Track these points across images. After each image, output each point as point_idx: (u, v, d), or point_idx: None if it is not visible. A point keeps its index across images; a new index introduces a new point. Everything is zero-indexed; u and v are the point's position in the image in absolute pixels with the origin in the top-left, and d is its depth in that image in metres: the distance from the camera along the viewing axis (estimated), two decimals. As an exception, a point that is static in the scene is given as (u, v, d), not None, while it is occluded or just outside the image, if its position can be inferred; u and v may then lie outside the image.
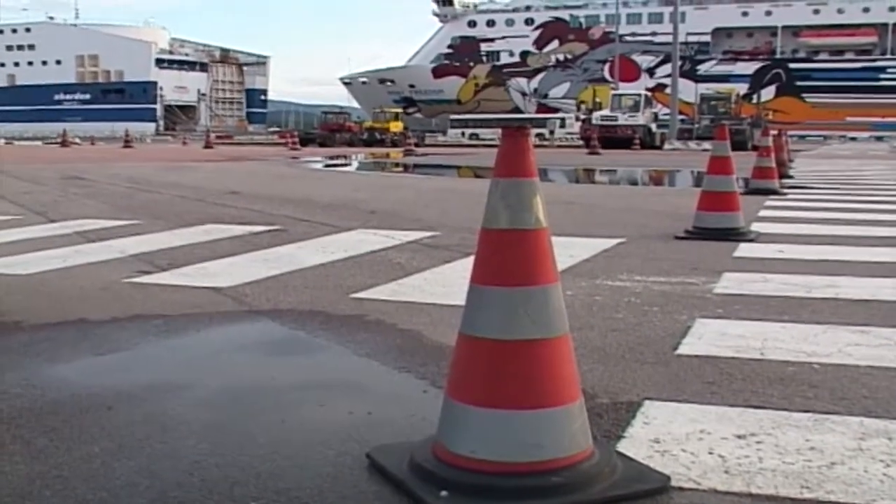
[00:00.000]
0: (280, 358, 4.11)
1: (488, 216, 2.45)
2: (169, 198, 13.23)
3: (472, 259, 6.63)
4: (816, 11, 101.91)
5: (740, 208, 8.50)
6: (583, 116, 65.81)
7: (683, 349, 4.09)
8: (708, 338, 4.30)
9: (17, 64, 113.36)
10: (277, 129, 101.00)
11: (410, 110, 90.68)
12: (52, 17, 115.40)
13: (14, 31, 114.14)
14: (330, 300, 5.23)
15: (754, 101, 76.08)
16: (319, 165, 28.51)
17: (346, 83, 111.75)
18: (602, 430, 2.89)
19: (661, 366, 3.83)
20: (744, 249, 7.47)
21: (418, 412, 3.18)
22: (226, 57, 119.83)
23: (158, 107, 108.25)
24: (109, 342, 4.34)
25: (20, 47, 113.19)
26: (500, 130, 2.46)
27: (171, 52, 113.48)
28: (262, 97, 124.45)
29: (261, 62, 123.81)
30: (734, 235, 8.15)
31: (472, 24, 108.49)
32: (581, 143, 51.92)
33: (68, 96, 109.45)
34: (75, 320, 4.79)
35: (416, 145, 49.67)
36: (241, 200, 12.33)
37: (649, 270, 6.31)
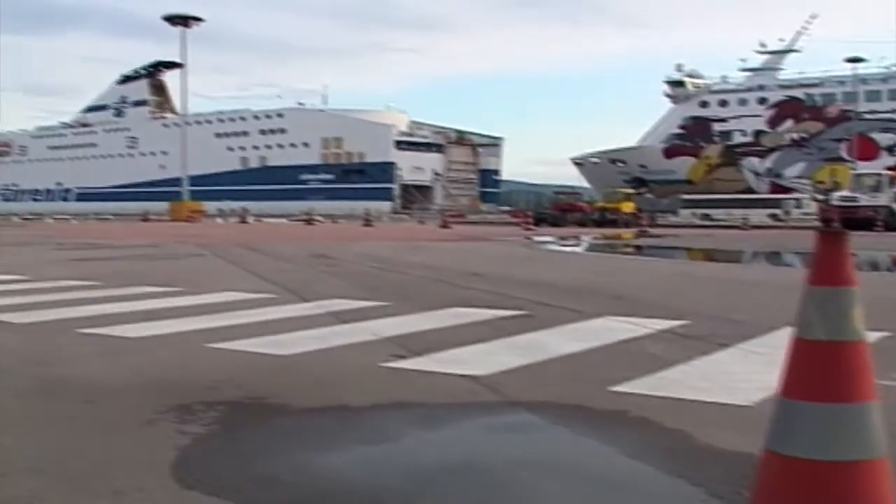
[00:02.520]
0: (545, 456, 4.00)
1: (802, 325, 2.29)
2: (413, 279, 13.48)
3: (729, 352, 6.40)
4: None
5: None
6: (820, 197, 63.26)
7: None
8: None
9: (268, 147, 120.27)
10: (509, 208, 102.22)
11: (641, 190, 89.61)
12: (301, 104, 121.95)
13: (268, 116, 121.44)
14: (588, 393, 5.09)
15: None
16: (555, 246, 28.51)
17: (577, 163, 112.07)
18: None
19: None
20: None
21: (701, 525, 2.99)
22: (461, 139, 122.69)
23: (396, 186, 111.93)
24: (373, 431, 4.35)
25: (272, 131, 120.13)
26: (815, 235, 2.30)
27: (409, 135, 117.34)
28: (495, 177, 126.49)
29: (494, 143, 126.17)
30: None
31: (704, 104, 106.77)
32: (818, 224, 49.88)
33: (312, 176, 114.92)
34: (338, 406, 4.85)
35: (650, 226, 49.04)
36: (483, 282, 12.40)
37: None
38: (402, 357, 6.22)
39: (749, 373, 5.72)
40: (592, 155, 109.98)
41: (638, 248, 29.02)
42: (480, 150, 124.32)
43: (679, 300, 10.39)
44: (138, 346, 6.83)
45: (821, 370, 2.24)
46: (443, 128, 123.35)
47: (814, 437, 2.20)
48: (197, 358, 6.32)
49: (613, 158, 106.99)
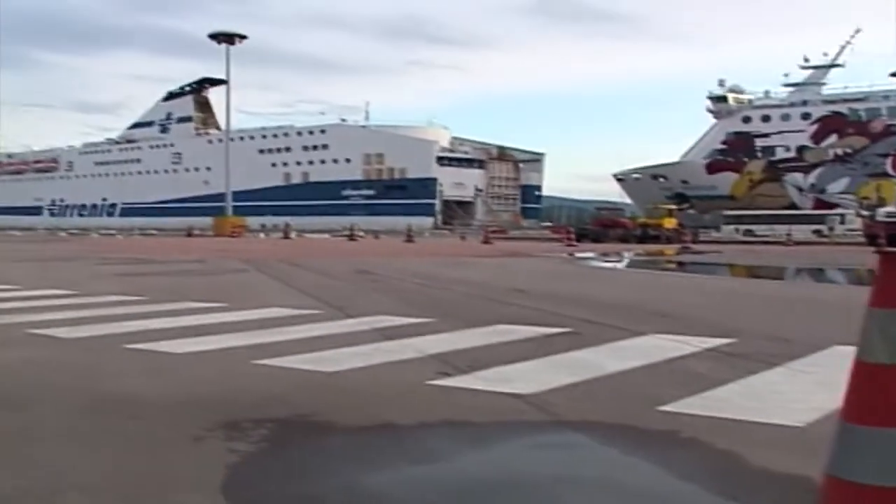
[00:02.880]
0: (595, 476, 3.96)
1: (864, 347, 2.24)
2: (457, 295, 13.45)
3: (777, 371, 6.32)
4: None
5: None
6: (865, 213, 62.49)
7: None
8: None
9: (311, 162, 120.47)
10: (550, 223, 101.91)
11: (683, 206, 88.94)
12: (344, 120, 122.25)
13: (311, 132, 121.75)
14: (637, 413, 5.04)
15: None
16: (598, 262, 28.39)
17: (618, 179, 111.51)
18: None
19: None
20: None
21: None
22: (502, 154, 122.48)
23: (437, 202, 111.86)
24: (422, 450, 4.33)
25: (315, 147, 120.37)
26: (877, 256, 2.25)
27: (451, 150, 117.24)
28: (537, 193, 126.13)
29: (536, 159, 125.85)
30: None
31: (747, 119, 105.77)
32: (863, 240, 49.44)
33: (354, 192, 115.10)
34: (384, 424, 4.83)
35: (693, 242, 48.71)
36: (527, 299, 12.36)
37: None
38: (448, 375, 6.20)
39: (799, 393, 5.64)
40: (634, 171, 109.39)
41: (680, 264, 28.84)
42: (522, 165, 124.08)
43: (724, 318, 10.29)
44: (184, 363, 6.87)
45: (884, 394, 2.19)
46: (484, 143, 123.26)
47: (879, 462, 2.15)
48: (243, 374, 6.34)
49: (655, 174, 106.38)
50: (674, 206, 72.35)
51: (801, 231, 62.74)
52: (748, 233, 70.52)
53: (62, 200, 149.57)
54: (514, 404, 5.29)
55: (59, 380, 6.20)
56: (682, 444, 4.40)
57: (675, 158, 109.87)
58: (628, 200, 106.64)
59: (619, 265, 28.26)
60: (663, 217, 62.24)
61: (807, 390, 5.70)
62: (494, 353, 7.14)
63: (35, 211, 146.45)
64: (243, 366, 6.65)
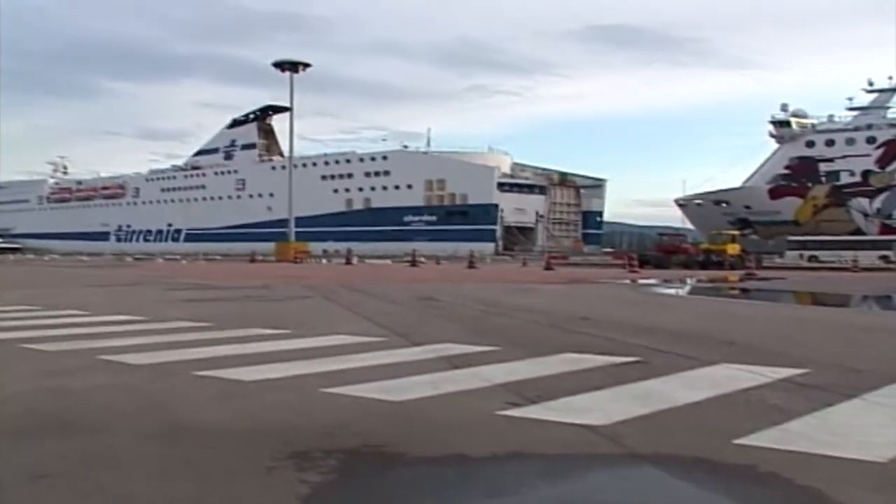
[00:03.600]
0: (672, 511, 3.90)
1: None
2: (522, 322, 13.37)
3: (854, 403, 6.21)
4: None
5: None
6: (933, 237, 60.98)
7: None
8: None
9: (373, 188, 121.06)
10: (611, 249, 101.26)
11: (746, 231, 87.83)
12: (406, 146, 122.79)
13: (373, 158, 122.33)
14: (712, 446, 4.94)
15: None
16: (662, 289, 28.06)
17: (680, 205, 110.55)
18: None
19: None
20: None
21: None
22: (564, 180, 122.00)
23: (498, 228, 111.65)
24: (494, 484, 4.29)
25: (377, 173, 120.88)
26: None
27: (512, 176, 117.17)
28: (598, 218, 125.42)
29: (597, 185, 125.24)
30: None
31: (811, 144, 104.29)
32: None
33: (416, 218, 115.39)
34: (455, 455, 4.81)
35: (757, 268, 48.09)
36: (593, 327, 12.25)
37: None
38: (517, 405, 6.15)
39: (877, 426, 5.51)
40: (696, 196, 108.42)
41: (745, 291, 28.43)
42: (583, 191, 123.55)
43: (795, 347, 10.09)
44: (253, 390, 6.89)
45: None
46: (546, 169, 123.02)
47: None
48: (312, 403, 6.35)
49: (717, 200, 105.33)
50: (737, 232, 71.56)
51: (867, 257, 61.62)
52: (813, 259, 69.46)
53: (128, 226, 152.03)
54: (585, 436, 5.23)
55: (130, 406, 6.26)
56: (760, 479, 4.31)
57: (738, 184, 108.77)
58: (690, 226, 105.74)
59: (682, 292, 27.96)
60: (726, 243, 61.52)
61: (885, 424, 5.57)
62: (563, 383, 7.08)
63: (102, 236, 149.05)
64: (312, 394, 6.66)
